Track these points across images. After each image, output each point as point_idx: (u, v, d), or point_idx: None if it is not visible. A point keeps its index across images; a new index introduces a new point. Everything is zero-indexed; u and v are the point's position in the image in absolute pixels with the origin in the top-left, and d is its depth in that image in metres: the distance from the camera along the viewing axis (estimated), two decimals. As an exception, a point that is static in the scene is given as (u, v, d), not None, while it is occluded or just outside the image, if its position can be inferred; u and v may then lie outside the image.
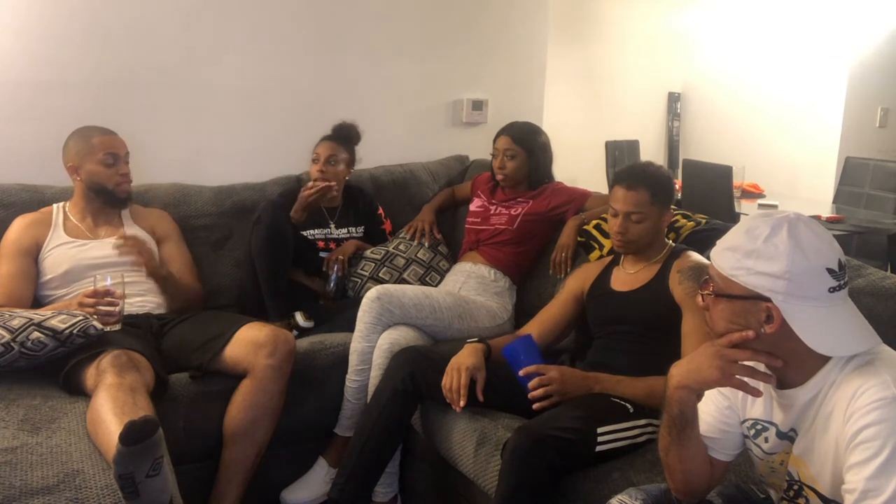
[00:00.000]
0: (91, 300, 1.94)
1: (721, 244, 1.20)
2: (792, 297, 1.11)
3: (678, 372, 1.21)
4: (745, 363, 1.16)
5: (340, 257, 2.54)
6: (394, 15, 3.10)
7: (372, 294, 2.19)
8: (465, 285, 2.49)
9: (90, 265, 2.18)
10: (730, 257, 1.16)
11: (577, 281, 2.11)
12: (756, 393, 1.18)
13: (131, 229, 2.32)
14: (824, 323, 1.11)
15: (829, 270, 1.12)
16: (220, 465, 2.00)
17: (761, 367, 1.18)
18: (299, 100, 2.95)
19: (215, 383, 2.02)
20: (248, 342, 2.00)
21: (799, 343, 1.11)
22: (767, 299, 1.12)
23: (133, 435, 1.36)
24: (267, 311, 2.37)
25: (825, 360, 1.14)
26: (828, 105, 5.00)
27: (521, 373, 1.81)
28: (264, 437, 2.02)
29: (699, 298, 1.22)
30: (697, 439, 1.28)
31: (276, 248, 2.40)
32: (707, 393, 1.33)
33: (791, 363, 1.16)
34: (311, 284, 2.57)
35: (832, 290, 1.12)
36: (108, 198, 2.27)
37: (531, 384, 1.78)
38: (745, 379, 1.16)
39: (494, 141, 2.61)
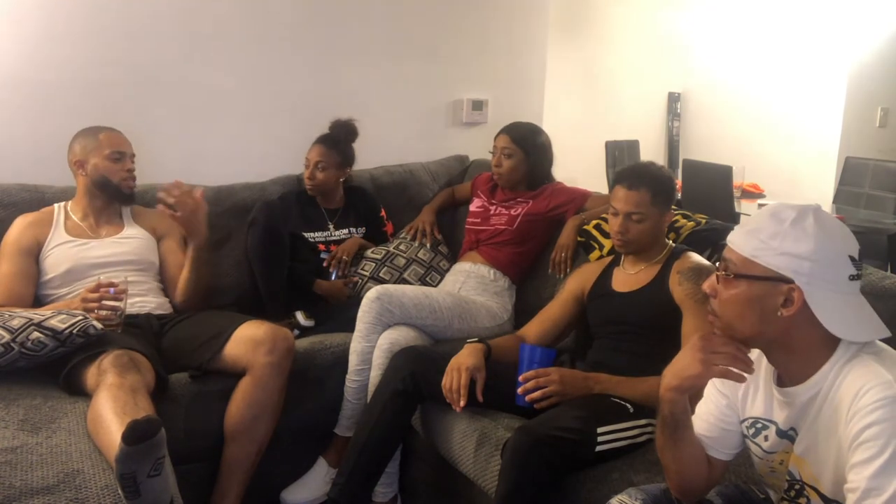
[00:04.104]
0: (95, 294, 1.94)
1: (741, 228, 1.19)
2: (815, 279, 1.11)
3: (668, 373, 1.22)
4: (725, 349, 1.17)
5: (345, 258, 2.54)
6: (394, 15, 3.10)
7: (372, 294, 2.19)
8: (464, 285, 2.49)
9: (91, 265, 2.18)
10: (752, 239, 1.15)
11: (578, 281, 2.11)
12: (740, 379, 1.18)
13: (132, 229, 2.32)
14: (843, 309, 1.12)
15: (851, 258, 1.13)
16: (221, 463, 2.00)
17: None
18: (299, 100, 2.94)
19: (215, 383, 2.02)
20: (247, 340, 2.00)
21: (810, 332, 1.12)
22: (790, 280, 1.12)
23: (136, 434, 1.36)
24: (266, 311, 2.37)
25: (827, 356, 1.14)
26: (828, 105, 5.00)
27: (521, 378, 1.81)
28: (265, 434, 2.02)
29: (712, 279, 1.20)
30: (691, 440, 1.28)
31: (271, 249, 2.40)
32: (706, 392, 1.33)
33: (797, 354, 1.16)
34: (333, 293, 2.51)
35: (852, 277, 1.13)
36: (112, 193, 2.26)
37: (523, 388, 1.79)
38: (735, 370, 1.17)
39: (494, 140, 2.61)
